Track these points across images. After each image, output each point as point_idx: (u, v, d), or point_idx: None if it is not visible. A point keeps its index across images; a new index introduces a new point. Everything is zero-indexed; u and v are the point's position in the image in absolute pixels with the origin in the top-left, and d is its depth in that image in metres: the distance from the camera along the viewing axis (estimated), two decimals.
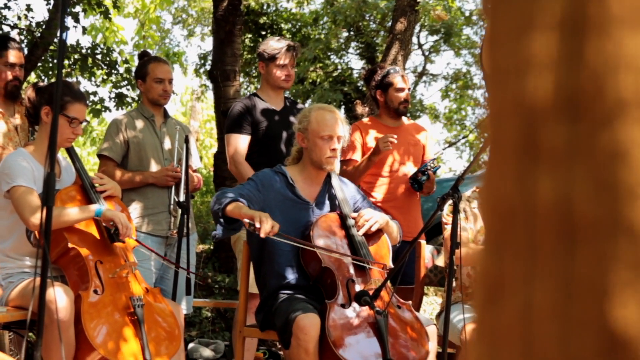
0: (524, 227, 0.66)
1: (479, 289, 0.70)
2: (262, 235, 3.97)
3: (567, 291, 0.64)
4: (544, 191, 0.65)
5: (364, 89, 12.88)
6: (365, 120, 6.06)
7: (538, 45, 0.66)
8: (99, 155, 5.45)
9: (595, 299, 0.63)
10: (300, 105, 5.76)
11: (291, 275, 4.35)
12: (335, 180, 4.55)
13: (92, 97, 9.38)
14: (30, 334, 4.86)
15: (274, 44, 5.52)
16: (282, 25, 14.34)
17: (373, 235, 4.50)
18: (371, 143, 5.69)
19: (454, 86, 17.88)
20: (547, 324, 0.64)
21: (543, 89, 0.65)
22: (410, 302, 4.42)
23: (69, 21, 8.54)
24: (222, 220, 4.19)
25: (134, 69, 8.60)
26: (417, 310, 4.83)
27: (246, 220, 4.01)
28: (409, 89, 5.84)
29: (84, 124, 4.41)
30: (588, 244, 0.63)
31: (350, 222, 4.41)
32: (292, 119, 5.45)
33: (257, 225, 3.95)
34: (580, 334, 0.63)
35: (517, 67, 0.67)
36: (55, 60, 9.23)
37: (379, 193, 5.62)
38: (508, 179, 0.68)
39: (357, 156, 5.65)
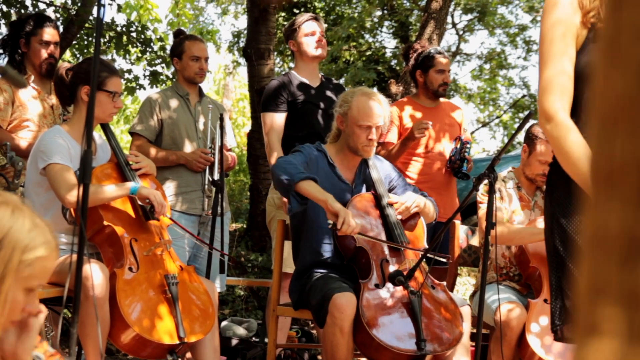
0: None
1: (612, 250, 0.67)
2: (339, 233, 4.04)
3: None
4: None
5: (398, 68, 12.81)
6: (403, 100, 6.02)
7: None
8: (131, 133, 5.46)
9: None
10: (335, 82, 5.71)
11: (327, 253, 4.35)
12: (371, 160, 4.53)
13: (126, 75, 9.40)
14: (66, 310, 4.91)
15: (297, 18, 5.49)
16: (316, 3, 14.24)
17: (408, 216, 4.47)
18: (408, 124, 5.65)
19: (487, 66, 17.74)
20: None
21: None
22: (444, 282, 4.40)
23: None
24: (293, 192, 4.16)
25: (168, 47, 8.61)
26: (451, 290, 4.81)
27: (330, 221, 4.04)
28: (449, 71, 5.78)
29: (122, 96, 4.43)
30: None
31: (385, 201, 4.39)
32: (328, 93, 5.41)
33: (339, 226, 3.99)
34: None
35: None
36: (90, 38, 9.26)
37: (413, 172, 5.59)
38: None
39: (393, 137, 5.62)
